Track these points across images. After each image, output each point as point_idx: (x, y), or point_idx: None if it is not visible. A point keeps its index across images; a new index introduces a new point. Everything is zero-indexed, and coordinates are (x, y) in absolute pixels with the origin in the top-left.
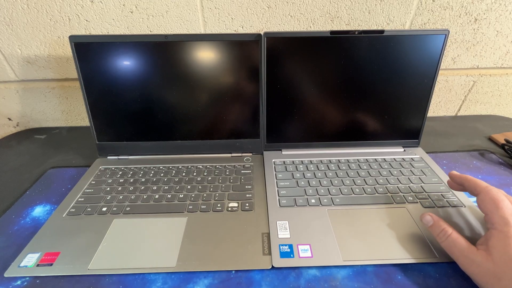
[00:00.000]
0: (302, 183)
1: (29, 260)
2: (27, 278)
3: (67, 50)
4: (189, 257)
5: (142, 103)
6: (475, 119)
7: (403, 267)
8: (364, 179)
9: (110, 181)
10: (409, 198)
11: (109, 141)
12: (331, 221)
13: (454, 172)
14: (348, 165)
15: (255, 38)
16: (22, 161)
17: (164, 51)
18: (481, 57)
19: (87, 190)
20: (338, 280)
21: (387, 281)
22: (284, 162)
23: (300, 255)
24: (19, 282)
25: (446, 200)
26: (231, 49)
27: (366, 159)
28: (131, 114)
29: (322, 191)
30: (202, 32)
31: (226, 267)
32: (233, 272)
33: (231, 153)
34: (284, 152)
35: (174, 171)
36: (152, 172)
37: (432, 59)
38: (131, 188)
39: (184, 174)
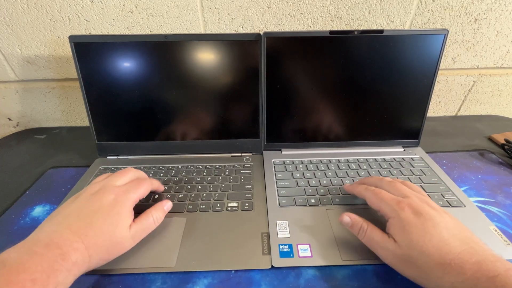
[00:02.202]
0: (302, 183)
1: None
2: None
3: (67, 50)
4: (188, 257)
5: (142, 103)
6: (475, 119)
7: None
8: None
9: None
10: None
11: (109, 141)
12: (330, 221)
13: (346, 185)
14: (347, 165)
15: (255, 38)
16: (22, 161)
17: (164, 51)
18: (481, 57)
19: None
20: (338, 279)
21: (387, 281)
22: (283, 162)
23: (300, 255)
24: None
25: (446, 200)
26: (231, 49)
27: (366, 159)
28: (131, 114)
29: (322, 191)
30: (202, 32)
31: (226, 267)
32: (233, 272)
33: (230, 153)
34: (284, 152)
35: (173, 171)
36: (152, 172)
37: (431, 59)
38: None
39: (183, 174)
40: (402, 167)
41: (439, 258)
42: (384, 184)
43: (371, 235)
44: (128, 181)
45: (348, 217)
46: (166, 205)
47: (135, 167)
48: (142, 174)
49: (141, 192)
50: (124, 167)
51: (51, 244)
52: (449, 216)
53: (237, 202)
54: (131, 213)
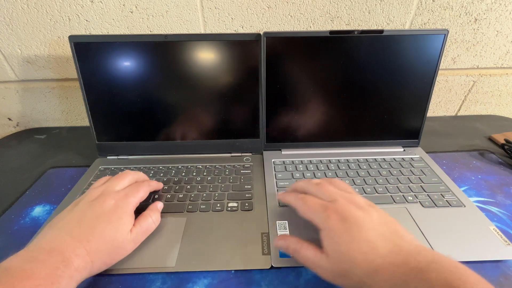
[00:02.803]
0: None
1: None
2: None
3: (67, 50)
4: (188, 257)
5: (142, 103)
6: (475, 119)
7: None
8: (363, 179)
9: None
10: (409, 198)
11: (109, 141)
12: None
13: (279, 195)
14: (347, 165)
15: (255, 38)
16: (22, 161)
17: (164, 51)
18: (481, 57)
19: (87, 190)
20: None
21: None
22: (283, 162)
23: None
24: None
25: (446, 200)
26: (231, 49)
27: (366, 159)
28: (131, 114)
29: None
30: (202, 32)
31: (226, 267)
32: (233, 272)
33: (230, 153)
34: (284, 152)
35: (173, 171)
36: (152, 172)
37: (431, 58)
38: None
39: (183, 174)
40: (402, 167)
41: (368, 266)
42: (312, 188)
43: (305, 254)
44: (127, 185)
45: (282, 240)
46: (158, 205)
47: (135, 167)
48: (140, 175)
49: (141, 195)
50: (124, 167)
51: (53, 251)
52: (375, 211)
53: (237, 202)
54: (132, 217)
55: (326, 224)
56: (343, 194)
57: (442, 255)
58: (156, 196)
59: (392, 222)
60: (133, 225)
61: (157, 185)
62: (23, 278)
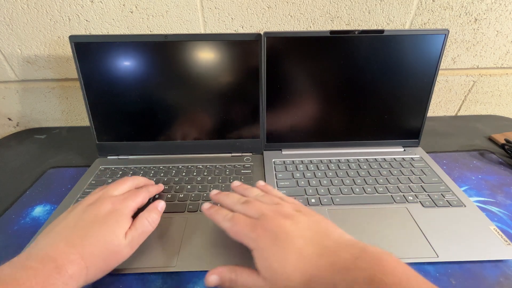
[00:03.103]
0: (302, 182)
1: None
2: None
3: (67, 50)
4: (189, 257)
5: (142, 103)
6: (475, 119)
7: None
8: (364, 179)
9: (110, 181)
10: (409, 197)
11: (109, 141)
12: (331, 221)
13: (206, 210)
14: (348, 164)
15: (255, 38)
16: (22, 161)
17: (164, 51)
18: (481, 57)
19: (87, 190)
20: None
21: None
22: (284, 162)
23: None
24: None
25: (447, 200)
26: (231, 49)
27: (366, 159)
28: (131, 114)
29: (322, 190)
30: (202, 32)
31: None
32: None
33: (231, 153)
34: (284, 152)
35: (174, 171)
36: (152, 172)
37: (432, 58)
38: None
39: (184, 174)
40: (402, 167)
41: (302, 277)
42: (239, 208)
43: (244, 283)
44: (126, 190)
45: (214, 275)
46: (159, 205)
47: (135, 167)
48: (140, 180)
49: (139, 200)
50: (125, 167)
51: (46, 257)
52: (303, 215)
53: None
54: (129, 221)
55: (256, 244)
56: (270, 207)
57: (368, 247)
58: (157, 196)
59: (319, 222)
60: (129, 228)
61: (157, 189)
62: (14, 287)
